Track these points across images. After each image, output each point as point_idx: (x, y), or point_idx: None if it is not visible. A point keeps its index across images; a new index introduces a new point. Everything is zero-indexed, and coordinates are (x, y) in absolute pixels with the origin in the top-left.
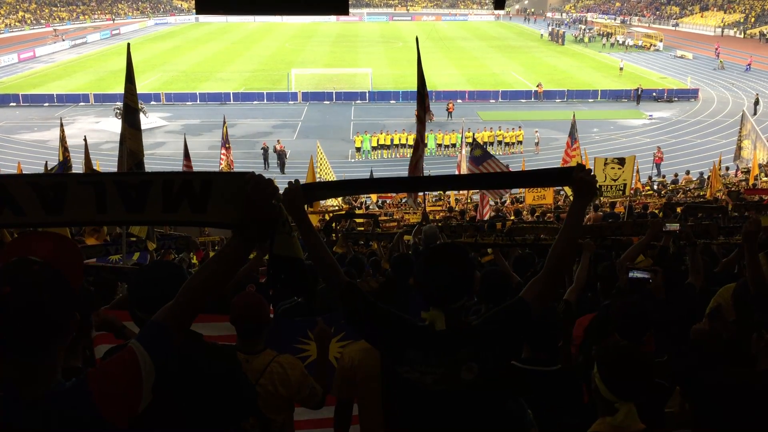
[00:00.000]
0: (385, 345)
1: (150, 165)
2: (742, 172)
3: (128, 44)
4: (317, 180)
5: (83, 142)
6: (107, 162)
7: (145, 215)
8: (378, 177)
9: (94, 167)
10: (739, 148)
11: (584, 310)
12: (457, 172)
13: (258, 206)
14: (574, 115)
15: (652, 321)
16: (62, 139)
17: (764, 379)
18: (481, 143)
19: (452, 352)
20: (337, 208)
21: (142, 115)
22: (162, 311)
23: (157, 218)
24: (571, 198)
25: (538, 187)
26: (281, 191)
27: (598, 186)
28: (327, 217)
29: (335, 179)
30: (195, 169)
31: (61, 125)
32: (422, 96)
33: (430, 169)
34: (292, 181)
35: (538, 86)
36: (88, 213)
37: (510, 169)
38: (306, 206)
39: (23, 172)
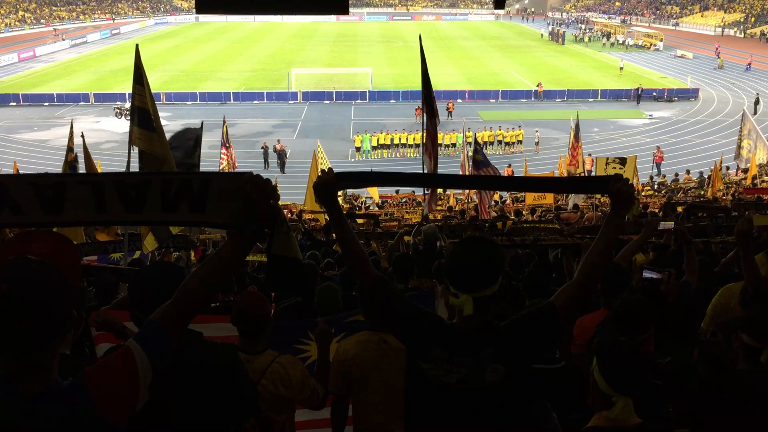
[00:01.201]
0: (411, 340)
1: None
2: (742, 171)
3: (137, 45)
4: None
5: (96, 141)
6: (108, 161)
7: (144, 215)
8: (413, 172)
9: (95, 166)
10: (739, 147)
11: (584, 310)
12: (460, 172)
13: (257, 206)
14: (577, 115)
15: (654, 322)
16: (70, 139)
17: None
18: (481, 143)
19: (476, 352)
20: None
21: None
22: (160, 311)
23: (156, 218)
24: (571, 198)
25: (572, 193)
26: (277, 190)
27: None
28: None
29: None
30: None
31: (71, 126)
32: (428, 97)
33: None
34: (325, 169)
35: (538, 86)
36: (87, 213)
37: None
38: (306, 206)
39: (20, 171)
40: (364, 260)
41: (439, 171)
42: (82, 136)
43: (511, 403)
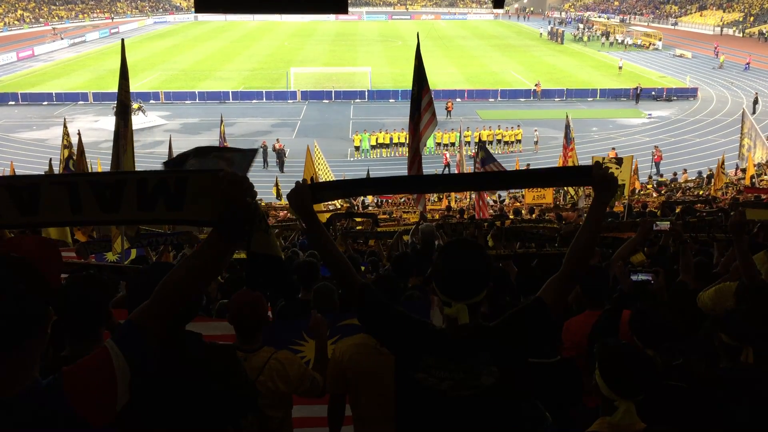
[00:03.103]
0: (401, 349)
1: (149, 164)
2: (741, 171)
3: (122, 40)
4: (315, 178)
5: (94, 140)
6: (107, 161)
7: (121, 214)
8: (388, 177)
9: (95, 166)
10: (741, 146)
11: (571, 313)
12: (456, 172)
13: (234, 203)
14: (567, 116)
15: (676, 328)
16: (64, 137)
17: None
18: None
19: (471, 356)
20: (337, 207)
21: (141, 114)
22: (138, 310)
23: (133, 217)
24: (571, 196)
25: (557, 186)
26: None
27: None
28: (327, 216)
29: (334, 179)
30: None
31: (65, 125)
32: (417, 99)
33: (428, 168)
34: (299, 181)
35: (536, 85)
36: (63, 213)
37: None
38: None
39: (17, 171)
40: (347, 269)
41: (440, 171)
42: (79, 134)
43: (504, 406)
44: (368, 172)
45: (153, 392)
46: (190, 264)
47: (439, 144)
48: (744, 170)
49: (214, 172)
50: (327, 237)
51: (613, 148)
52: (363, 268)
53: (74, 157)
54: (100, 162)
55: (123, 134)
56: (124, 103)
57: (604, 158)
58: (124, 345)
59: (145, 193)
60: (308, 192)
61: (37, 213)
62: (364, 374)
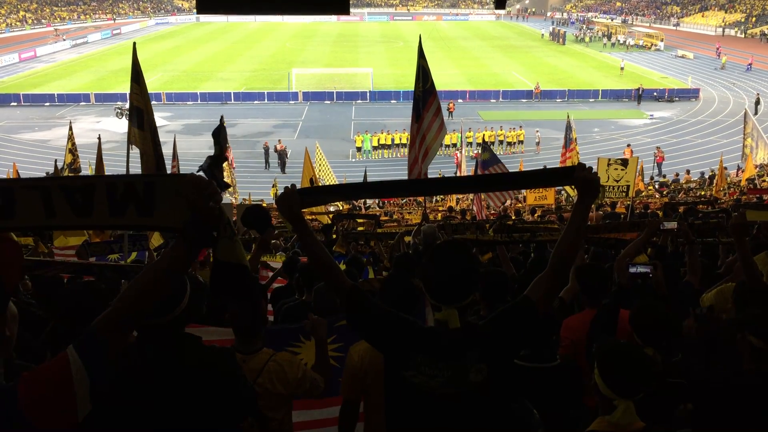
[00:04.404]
0: (391, 349)
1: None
2: (742, 172)
3: (134, 43)
4: (315, 179)
5: (95, 141)
6: (108, 161)
7: (93, 219)
8: (376, 181)
9: (104, 169)
10: (744, 146)
11: (572, 313)
12: (458, 173)
13: (195, 207)
14: (568, 116)
15: (678, 327)
16: (69, 139)
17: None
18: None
19: (461, 355)
20: (339, 207)
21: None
22: (101, 317)
23: (105, 222)
24: (573, 198)
25: (540, 187)
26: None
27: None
28: (329, 217)
29: (334, 181)
30: (187, 170)
31: (70, 128)
32: (418, 99)
33: (434, 170)
34: (288, 186)
35: (535, 88)
36: (38, 217)
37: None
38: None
39: (19, 172)
40: (335, 272)
41: (441, 171)
42: (99, 138)
43: (492, 403)
44: (365, 173)
45: (151, 393)
46: (153, 270)
47: (440, 145)
48: (744, 171)
49: (180, 177)
50: (315, 241)
51: (629, 145)
52: (365, 260)
53: (75, 165)
54: (104, 163)
55: (142, 138)
56: (137, 107)
57: (610, 159)
58: (85, 353)
59: (114, 198)
60: (296, 197)
61: (13, 217)
62: (382, 375)
